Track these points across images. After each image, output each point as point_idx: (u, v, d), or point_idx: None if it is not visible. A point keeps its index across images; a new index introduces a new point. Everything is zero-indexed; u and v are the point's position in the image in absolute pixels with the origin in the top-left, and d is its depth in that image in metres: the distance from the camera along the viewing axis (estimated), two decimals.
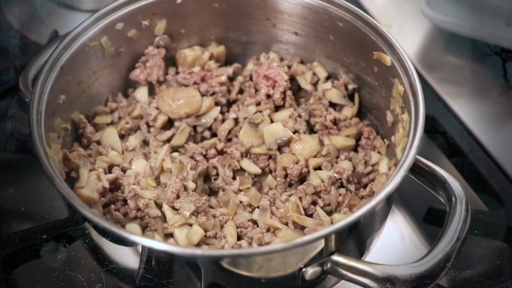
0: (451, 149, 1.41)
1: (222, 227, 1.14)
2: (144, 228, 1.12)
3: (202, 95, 1.32)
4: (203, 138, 1.32)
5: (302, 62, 1.38)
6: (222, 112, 1.33)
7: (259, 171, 1.25)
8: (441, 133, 1.44)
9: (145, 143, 1.31)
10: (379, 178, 1.17)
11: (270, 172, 1.26)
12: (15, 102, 1.37)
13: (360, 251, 1.11)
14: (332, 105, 1.34)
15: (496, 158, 1.39)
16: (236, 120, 1.32)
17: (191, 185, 1.16)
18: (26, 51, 1.53)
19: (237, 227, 1.15)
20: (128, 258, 1.06)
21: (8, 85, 1.45)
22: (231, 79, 1.37)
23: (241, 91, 1.37)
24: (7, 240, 1.17)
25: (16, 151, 1.35)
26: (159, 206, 1.13)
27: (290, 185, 1.24)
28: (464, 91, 1.59)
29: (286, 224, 1.15)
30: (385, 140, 1.24)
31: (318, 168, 1.24)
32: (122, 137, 1.29)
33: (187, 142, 1.28)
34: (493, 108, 1.56)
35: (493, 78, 1.59)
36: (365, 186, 1.21)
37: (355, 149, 1.29)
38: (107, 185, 1.13)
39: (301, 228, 1.15)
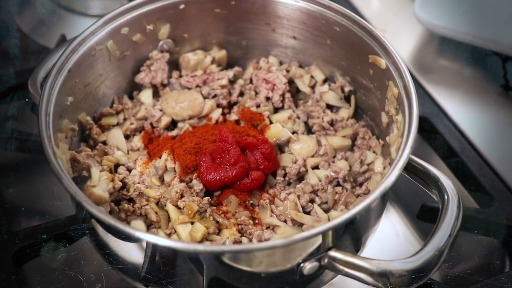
0: (444, 149, 1.42)
1: (223, 224, 1.16)
2: (149, 225, 1.14)
3: (204, 97, 1.34)
4: None
5: (300, 65, 1.40)
6: (223, 114, 1.35)
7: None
8: (434, 133, 1.44)
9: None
10: (374, 176, 1.19)
11: None
12: (18, 103, 1.39)
13: (356, 247, 1.13)
14: (329, 106, 1.36)
15: (486, 158, 1.40)
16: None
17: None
18: (35, 54, 1.53)
19: (238, 224, 1.16)
20: (133, 254, 1.07)
21: (8, 85, 1.45)
22: (232, 82, 1.39)
23: (241, 94, 1.39)
24: (16, 237, 1.18)
25: (16, 151, 1.35)
26: (162, 204, 1.16)
27: (288, 184, 1.26)
28: (458, 92, 1.60)
29: (285, 221, 1.17)
30: (380, 140, 1.26)
31: (316, 167, 1.26)
32: (127, 137, 1.31)
33: None
34: (491, 109, 1.56)
35: (493, 78, 1.59)
36: (360, 185, 1.23)
37: (351, 149, 1.31)
38: (118, 186, 1.15)
39: (299, 225, 1.16)
